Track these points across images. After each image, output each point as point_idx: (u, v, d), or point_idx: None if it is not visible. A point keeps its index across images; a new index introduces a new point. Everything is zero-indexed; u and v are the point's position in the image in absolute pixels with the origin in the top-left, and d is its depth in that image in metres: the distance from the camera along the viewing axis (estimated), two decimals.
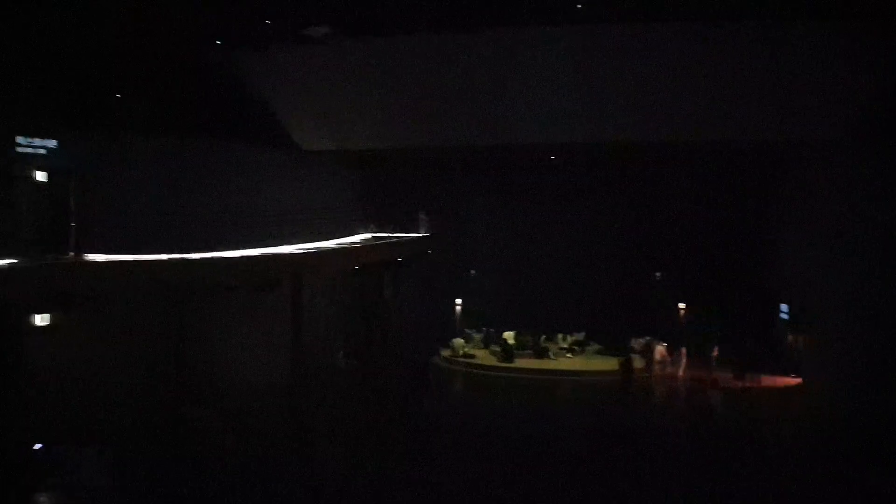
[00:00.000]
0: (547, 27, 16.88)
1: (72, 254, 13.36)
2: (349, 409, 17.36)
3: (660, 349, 21.63)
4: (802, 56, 16.00)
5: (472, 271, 26.48)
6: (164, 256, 14.12)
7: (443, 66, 18.15)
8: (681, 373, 21.04)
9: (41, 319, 12.23)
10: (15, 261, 11.76)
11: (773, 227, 22.27)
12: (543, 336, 24.01)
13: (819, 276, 19.38)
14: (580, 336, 24.01)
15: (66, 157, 13.64)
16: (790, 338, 20.69)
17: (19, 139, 13.05)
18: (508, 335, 23.58)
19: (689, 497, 12.12)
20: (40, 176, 13.34)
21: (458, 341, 23.59)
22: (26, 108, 13.89)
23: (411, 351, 23.25)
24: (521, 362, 22.25)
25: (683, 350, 21.30)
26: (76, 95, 15.07)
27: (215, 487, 11.96)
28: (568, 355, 22.90)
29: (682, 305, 24.31)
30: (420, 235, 23.90)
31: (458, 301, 26.30)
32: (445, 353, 23.34)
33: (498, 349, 22.95)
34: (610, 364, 21.42)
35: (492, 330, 24.35)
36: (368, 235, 23.34)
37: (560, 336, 24.20)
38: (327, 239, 20.62)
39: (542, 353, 22.84)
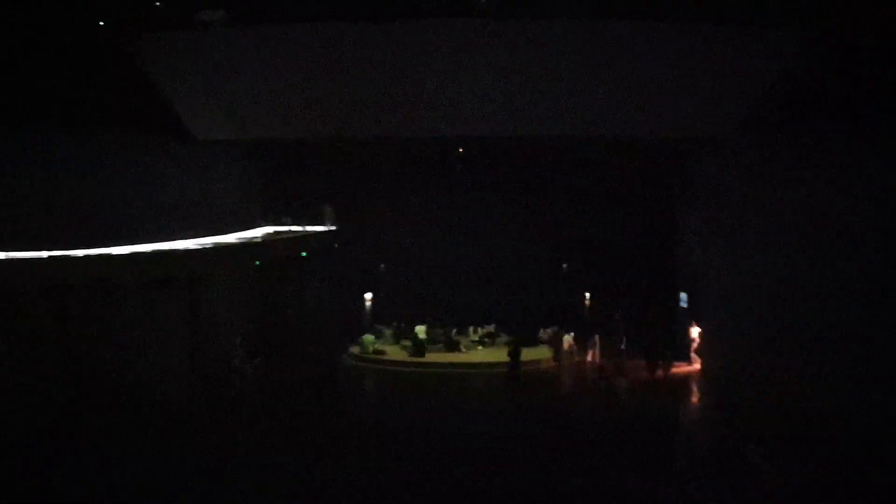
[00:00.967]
0: (454, 19, 16.81)
1: None
2: (253, 412, 16.66)
3: (567, 339, 22.00)
4: (698, 56, 16.77)
5: (382, 265, 26.03)
6: (45, 254, 13.04)
7: (347, 57, 17.65)
8: (591, 360, 21.45)
9: None
10: None
11: (673, 219, 23.04)
12: (455, 329, 23.93)
13: (714, 266, 20.23)
14: (490, 328, 24.07)
15: None
16: (689, 325, 21.51)
17: None
18: (420, 329, 23.34)
19: (590, 482, 12.29)
20: None
21: (368, 337, 23.13)
22: None
23: (319, 349, 22.63)
24: (433, 356, 22.08)
25: (596, 338, 21.74)
26: None
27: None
28: (479, 347, 22.93)
29: (588, 296, 24.79)
30: (326, 229, 23.26)
31: (368, 296, 25.83)
32: (355, 349, 22.84)
33: (409, 344, 22.68)
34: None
35: (403, 325, 24.03)
36: (271, 229, 22.50)
37: (471, 329, 24.20)
38: (226, 233, 19.69)
39: (453, 347, 22.75)
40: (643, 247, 23.36)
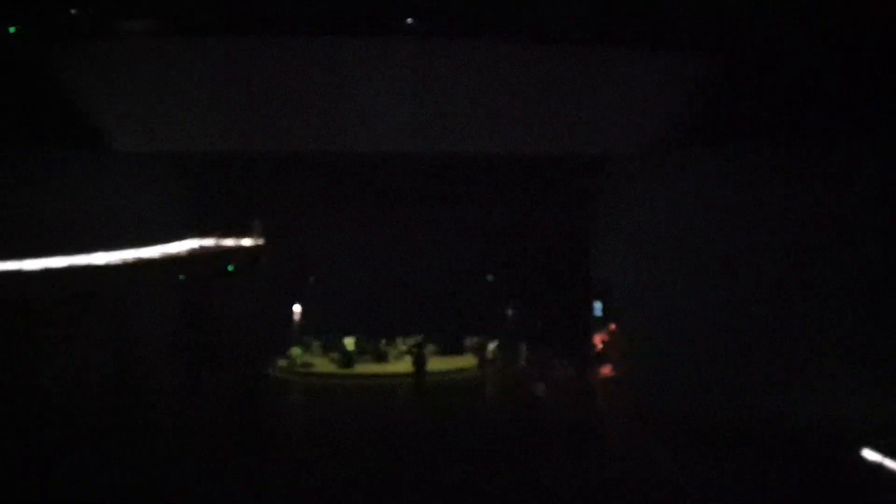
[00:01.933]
0: (379, 38, 17.22)
1: None
2: (175, 427, 16.49)
3: (490, 347, 22.53)
4: (609, 77, 17.93)
5: (311, 278, 26.00)
6: None
7: (270, 70, 17.78)
8: (519, 367, 22.00)
9: None
10: None
11: (588, 231, 23.92)
12: (384, 340, 24.13)
13: (627, 276, 21.22)
14: (418, 338, 24.36)
15: None
16: (604, 333, 22.35)
17: None
18: (348, 341, 23.43)
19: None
20: None
21: (296, 350, 23.10)
22: None
23: (247, 364, 22.45)
24: (361, 368, 22.23)
25: (522, 346, 22.27)
26: None
27: None
28: (407, 358, 23.19)
29: (511, 305, 25.33)
30: (254, 243, 23.12)
31: (297, 309, 25.76)
32: (282, 363, 22.77)
33: (337, 356, 22.75)
34: (446, 364, 22.13)
35: (331, 337, 24.08)
36: (195, 243, 22.24)
37: (399, 339, 24.44)
38: (148, 246, 19.39)
39: (381, 358, 22.96)
40: (561, 258, 24.14)
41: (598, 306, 22.87)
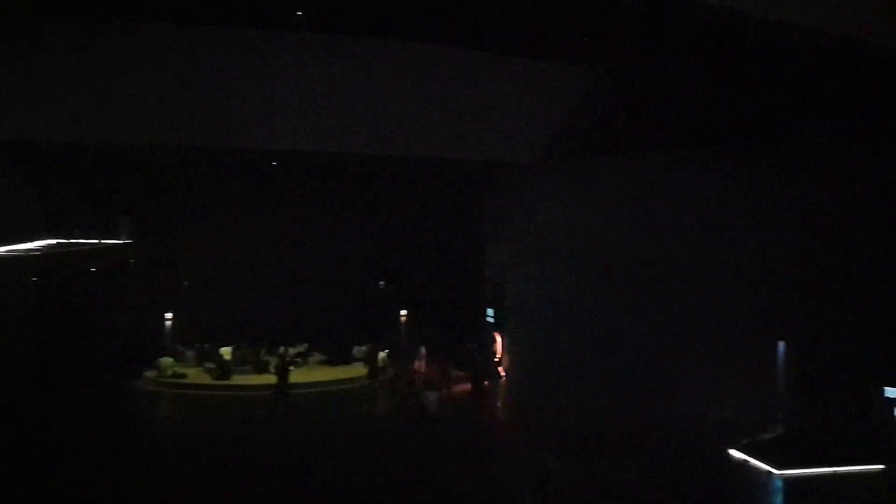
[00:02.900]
0: (264, 31, 16.32)
1: None
2: (27, 440, 14.76)
3: (382, 356, 21.81)
4: (505, 87, 18.28)
5: (186, 282, 24.21)
6: None
7: (140, 59, 16.37)
8: (409, 376, 21.38)
9: None
10: None
11: (480, 238, 23.84)
12: (265, 349, 22.80)
13: (517, 283, 21.30)
14: (303, 348, 23.23)
15: None
16: (494, 339, 22.27)
17: None
18: (225, 351, 21.92)
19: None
20: None
21: (167, 360, 21.34)
22: None
23: (110, 374, 20.56)
24: (239, 379, 20.85)
25: (422, 350, 21.82)
26: None
27: None
28: (290, 368, 21.96)
29: (403, 313, 24.80)
30: (121, 242, 21.25)
31: (169, 315, 23.92)
32: (150, 374, 21.00)
33: (213, 366, 21.24)
34: (333, 374, 21.14)
35: (206, 346, 22.47)
36: (53, 241, 20.14)
37: (282, 348, 23.15)
38: None
39: (262, 368, 21.59)
40: (454, 265, 23.94)
41: (490, 312, 22.74)
